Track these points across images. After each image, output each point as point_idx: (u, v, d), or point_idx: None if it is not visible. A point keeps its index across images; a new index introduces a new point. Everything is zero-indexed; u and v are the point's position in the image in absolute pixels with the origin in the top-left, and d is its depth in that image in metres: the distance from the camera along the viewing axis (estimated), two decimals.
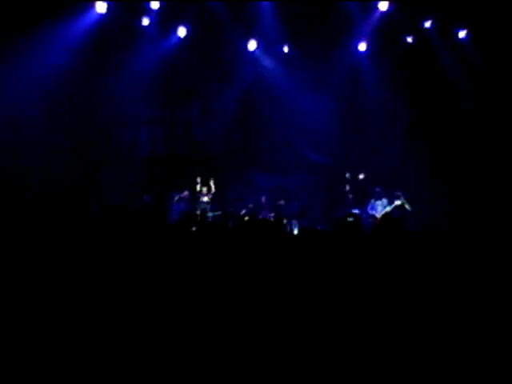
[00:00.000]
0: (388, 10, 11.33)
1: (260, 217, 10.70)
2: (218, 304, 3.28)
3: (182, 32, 11.95)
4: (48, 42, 10.30)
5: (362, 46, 12.45)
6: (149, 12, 11.37)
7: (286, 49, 12.59)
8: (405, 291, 3.18)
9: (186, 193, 11.54)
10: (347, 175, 11.49)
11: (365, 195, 11.23)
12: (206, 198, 11.48)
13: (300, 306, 3.16)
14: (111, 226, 5.24)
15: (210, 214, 11.17)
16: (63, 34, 10.59)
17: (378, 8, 11.39)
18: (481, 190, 10.98)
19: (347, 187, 11.37)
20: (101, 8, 10.81)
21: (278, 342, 2.93)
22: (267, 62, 12.83)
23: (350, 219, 4.37)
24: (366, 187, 11.28)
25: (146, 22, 11.50)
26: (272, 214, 11.25)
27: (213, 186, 11.47)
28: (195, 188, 11.44)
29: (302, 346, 2.90)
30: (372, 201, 11.18)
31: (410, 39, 12.17)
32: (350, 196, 11.34)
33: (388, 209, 10.86)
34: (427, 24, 11.75)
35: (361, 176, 11.41)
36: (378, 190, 11.14)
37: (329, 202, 11.98)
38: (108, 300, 3.36)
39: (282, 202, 11.74)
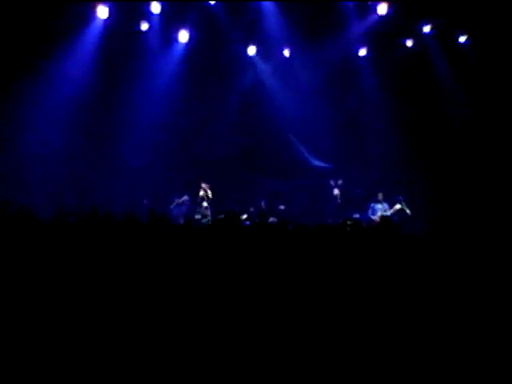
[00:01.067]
0: (387, 14, 11.36)
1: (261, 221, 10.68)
2: (222, 302, 3.29)
3: (183, 37, 11.97)
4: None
5: (362, 51, 12.48)
6: (150, 17, 11.41)
7: (286, 52, 12.59)
8: (398, 291, 3.20)
9: (185, 197, 11.56)
10: (339, 181, 11.59)
11: (349, 200, 11.32)
12: (205, 203, 11.49)
13: (295, 303, 3.18)
14: (111, 230, 5.26)
15: (209, 218, 11.18)
16: (70, 48, 10.85)
17: (376, 12, 11.43)
18: (477, 194, 11.00)
19: (335, 192, 11.45)
20: (102, 13, 10.86)
21: (278, 339, 2.94)
22: (267, 66, 12.86)
23: (350, 223, 4.40)
24: (351, 192, 11.45)
25: (146, 27, 11.53)
26: (274, 219, 11.25)
27: (209, 192, 11.47)
28: (196, 193, 11.46)
29: (300, 341, 2.91)
30: (372, 205, 11.18)
31: (409, 43, 12.18)
32: (339, 201, 11.40)
33: (388, 213, 10.86)
34: (426, 28, 11.79)
35: (339, 182, 11.46)
36: (378, 194, 11.14)
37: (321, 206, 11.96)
38: (110, 301, 3.37)
39: (281, 207, 11.77)
